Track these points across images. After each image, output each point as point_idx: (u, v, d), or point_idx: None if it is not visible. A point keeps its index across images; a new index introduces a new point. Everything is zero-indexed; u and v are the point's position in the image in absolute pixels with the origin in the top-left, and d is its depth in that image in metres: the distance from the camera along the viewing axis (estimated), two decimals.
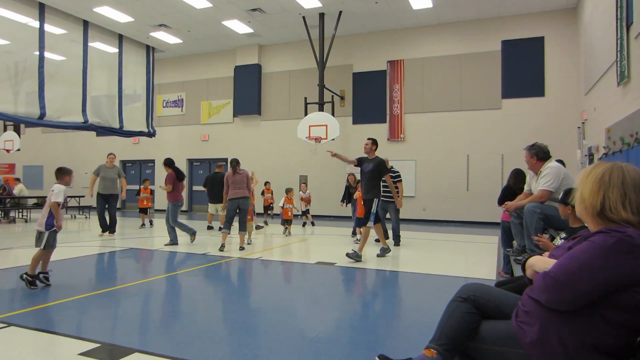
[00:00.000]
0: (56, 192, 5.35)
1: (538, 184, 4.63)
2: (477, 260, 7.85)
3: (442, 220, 14.85)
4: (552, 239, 3.92)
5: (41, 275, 5.32)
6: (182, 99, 18.81)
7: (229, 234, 8.55)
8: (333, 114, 13.96)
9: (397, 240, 9.05)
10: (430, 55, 15.13)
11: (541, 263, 2.16)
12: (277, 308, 4.68)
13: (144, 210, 12.97)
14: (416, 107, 15.29)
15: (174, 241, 9.07)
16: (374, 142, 7.76)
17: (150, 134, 16.86)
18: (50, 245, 5.34)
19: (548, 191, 4.47)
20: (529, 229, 4.35)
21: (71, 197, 15.88)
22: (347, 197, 10.94)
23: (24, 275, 5.21)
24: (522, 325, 2.14)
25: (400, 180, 9.09)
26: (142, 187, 13.49)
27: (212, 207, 12.09)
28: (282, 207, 11.09)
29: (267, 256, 7.84)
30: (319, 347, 3.51)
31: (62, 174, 5.65)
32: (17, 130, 18.75)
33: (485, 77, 14.44)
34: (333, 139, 13.38)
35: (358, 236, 9.59)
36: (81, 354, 3.25)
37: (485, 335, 2.40)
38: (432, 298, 5.24)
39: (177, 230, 9.22)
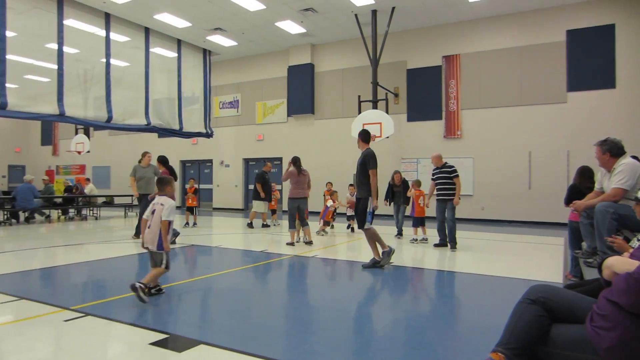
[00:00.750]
0: (167, 208, 4.80)
1: (611, 181, 4.35)
2: (541, 262, 7.51)
3: (502, 220, 14.33)
4: (628, 240, 3.68)
5: (152, 290, 4.89)
6: (238, 100, 19.27)
7: (295, 231, 8.83)
8: (387, 112, 13.82)
9: (453, 244, 8.37)
10: (488, 49, 14.64)
11: (622, 264, 2.04)
12: (335, 306, 4.69)
13: (190, 209, 12.91)
14: (473, 103, 14.85)
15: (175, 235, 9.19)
16: (360, 134, 7.13)
17: (208, 135, 17.42)
18: (169, 265, 4.96)
19: (622, 189, 4.20)
20: (600, 230, 4.10)
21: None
22: (391, 195, 10.58)
23: (139, 285, 4.51)
24: (599, 330, 2.04)
25: (457, 175, 8.47)
26: (187, 186, 13.34)
27: (262, 205, 12.15)
28: (327, 208, 10.87)
29: (323, 254, 7.88)
30: (378, 345, 3.48)
31: (164, 185, 5.05)
32: (87, 133, 19.91)
33: (548, 70, 13.78)
34: (387, 137, 13.25)
35: (415, 236, 9.44)
36: (151, 344, 3.41)
37: (557, 340, 2.31)
38: (493, 300, 5.07)
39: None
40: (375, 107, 13.85)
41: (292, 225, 8.80)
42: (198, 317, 4.33)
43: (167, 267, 4.88)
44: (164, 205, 4.85)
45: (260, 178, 12.38)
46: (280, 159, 18.21)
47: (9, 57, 11.18)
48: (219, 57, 18.54)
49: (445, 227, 8.47)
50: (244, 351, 3.28)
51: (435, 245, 8.60)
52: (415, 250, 8.48)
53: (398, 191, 10.29)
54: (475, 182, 14.70)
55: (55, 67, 12.55)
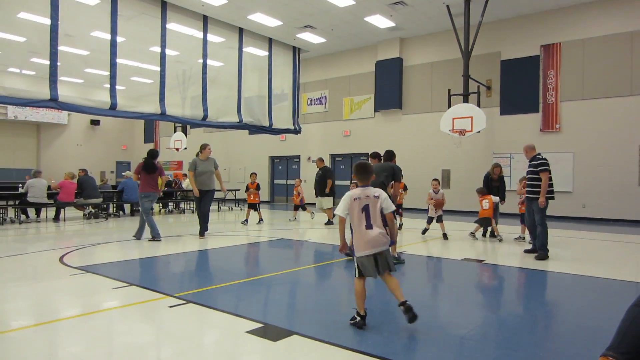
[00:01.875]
0: (384, 198, 3.79)
1: None
2: None
3: (606, 218, 13.18)
4: None
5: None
6: (325, 96, 19.50)
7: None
8: (479, 105, 13.25)
9: (542, 254, 6.96)
10: (593, 36, 13.48)
11: None
12: (427, 304, 4.60)
13: (252, 206, 11.97)
14: (575, 94, 13.77)
15: (156, 237, 8.50)
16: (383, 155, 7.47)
17: (296, 131, 17.86)
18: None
19: None
20: None
21: (229, 190, 17.54)
22: (487, 189, 9.46)
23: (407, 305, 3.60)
24: None
25: (545, 169, 6.99)
26: (249, 182, 12.26)
27: (331, 201, 11.76)
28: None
29: (411, 251, 7.76)
30: (472, 344, 3.37)
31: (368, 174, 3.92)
32: (184, 131, 21.26)
33: None
34: (479, 131, 12.71)
35: (522, 234, 8.91)
36: (248, 332, 3.57)
37: None
38: (597, 302, 4.68)
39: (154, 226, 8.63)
40: (466, 100, 13.34)
41: None
42: (291, 308, 4.46)
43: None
44: (379, 197, 3.79)
45: (331, 174, 12.02)
46: (366, 155, 18.17)
47: (118, 61, 12.23)
48: (307, 54, 18.89)
49: (534, 230, 7.34)
50: (334, 342, 3.33)
51: (526, 252, 7.53)
52: (508, 248, 8.05)
53: (496, 186, 9.46)
54: (575, 178, 13.66)
55: (158, 69, 13.51)
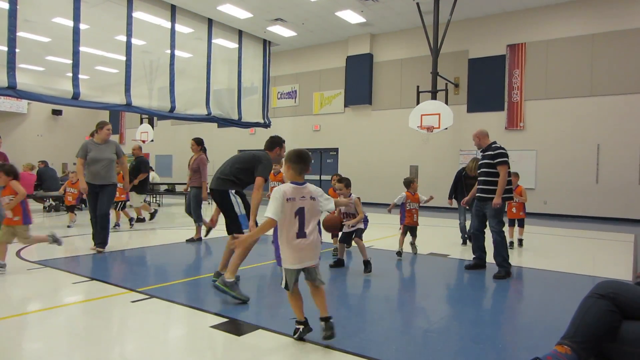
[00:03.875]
0: (323, 197, 3.32)
1: None
2: (609, 259, 7.11)
3: (566, 214, 13.65)
4: None
5: None
6: (296, 91, 19.44)
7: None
8: (447, 102, 13.47)
9: (502, 271, 5.56)
10: (556, 37, 13.88)
11: None
12: (394, 298, 4.65)
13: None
14: (538, 94, 14.17)
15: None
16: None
17: (266, 125, 17.71)
18: None
19: None
20: None
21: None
22: (455, 189, 8.61)
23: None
24: None
25: (503, 162, 5.57)
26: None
27: (140, 198, 11.03)
28: (406, 208, 6.84)
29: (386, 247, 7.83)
30: (434, 337, 3.43)
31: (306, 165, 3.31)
32: (151, 122, 20.79)
33: (625, 58, 12.89)
34: (446, 128, 12.92)
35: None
36: (212, 327, 3.53)
37: (628, 337, 2.20)
38: (556, 296, 4.84)
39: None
40: (434, 97, 13.53)
41: None
42: (254, 303, 4.43)
43: None
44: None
45: (146, 165, 11.27)
46: (336, 150, 18.23)
47: (81, 49, 11.82)
48: (278, 47, 18.75)
49: (481, 239, 6.00)
50: (287, 334, 3.33)
51: (468, 267, 6.02)
52: None
53: (471, 184, 7.30)
54: (537, 175, 14.08)
55: (124, 58, 13.12)
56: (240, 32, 16.48)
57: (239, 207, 4.64)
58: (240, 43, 16.58)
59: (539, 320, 3.98)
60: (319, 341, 3.20)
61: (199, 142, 8.49)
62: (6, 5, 10.02)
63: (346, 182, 5.97)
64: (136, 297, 4.30)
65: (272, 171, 6.84)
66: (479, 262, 5.99)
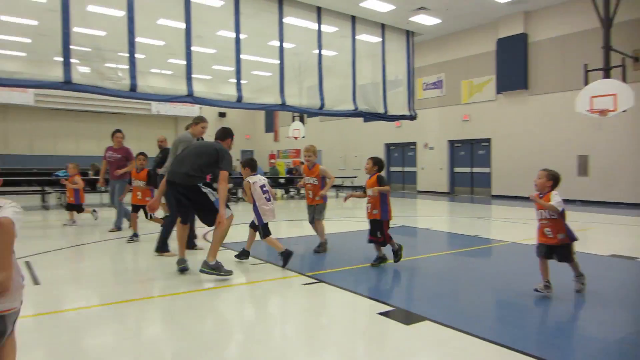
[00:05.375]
0: None
1: None
2: None
3: None
4: None
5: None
6: (442, 80, 18.81)
7: None
8: (624, 80, 11.77)
9: None
10: None
11: None
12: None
13: None
14: None
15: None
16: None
17: (412, 117, 17.46)
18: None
19: None
20: None
21: (344, 177, 17.82)
22: None
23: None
24: None
25: None
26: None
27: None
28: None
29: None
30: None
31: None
32: (301, 120, 21.97)
33: None
34: (624, 110, 11.31)
35: None
36: (380, 314, 3.59)
37: None
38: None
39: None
40: (607, 76, 11.91)
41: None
42: (422, 294, 4.41)
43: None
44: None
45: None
46: (488, 140, 17.23)
47: (242, 56, 12.98)
48: (421, 37, 18.33)
49: None
50: (466, 331, 3.21)
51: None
52: None
53: None
54: None
55: (277, 62, 14.11)
56: (382, 26, 16.51)
57: (213, 195, 4.95)
58: (383, 37, 16.62)
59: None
60: (504, 342, 3.05)
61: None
62: (183, 25, 11.45)
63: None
64: (306, 281, 4.58)
65: (307, 164, 6.73)
66: None
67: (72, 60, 10.12)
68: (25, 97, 22.04)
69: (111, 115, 24.42)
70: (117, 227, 8.23)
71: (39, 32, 15.92)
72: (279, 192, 17.33)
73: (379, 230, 5.23)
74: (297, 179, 17.57)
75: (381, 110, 16.62)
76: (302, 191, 17.66)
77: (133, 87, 10.74)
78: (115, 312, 3.74)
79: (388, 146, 21.46)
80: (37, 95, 22.27)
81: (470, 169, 17.96)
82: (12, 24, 14.91)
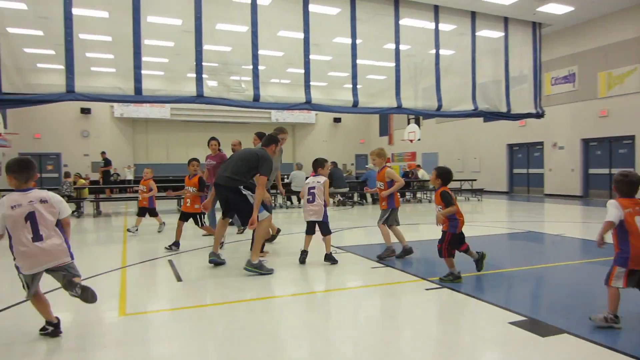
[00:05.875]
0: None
1: None
2: None
3: None
4: None
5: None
6: (574, 73, 17.20)
7: None
8: None
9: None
10: None
11: None
12: None
13: None
14: None
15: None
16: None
17: (539, 115, 16.24)
18: None
19: None
20: None
21: (462, 180, 17.13)
22: None
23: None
24: None
25: None
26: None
27: None
28: None
29: None
30: None
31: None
32: (417, 122, 21.60)
33: None
34: None
35: None
36: (511, 323, 3.38)
37: None
38: None
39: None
40: None
41: None
42: (557, 305, 4.06)
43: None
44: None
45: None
46: (631, 138, 15.36)
47: (357, 61, 13.14)
48: (549, 28, 16.99)
49: None
50: (613, 347, 2.88)
51: None
52: None
53: None
54: None
55: (392, 65, 14.02)
56: (505, 20, 15.60)
57: (252, 198, 5.08)
58: (506, 31, 15.70)
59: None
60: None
61: (260, 137, 7.43)
62: (301, 35, 11.92)
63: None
64: (428, 286, 4.48)
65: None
66: None
67: (203, 76, 11.11)
68: (163, 111, 24.71)
69: (235, 124, 26.23)
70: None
71: (174, 52, 17.77)
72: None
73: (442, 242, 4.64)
74: (413, 183, 17.30)
75: (503, 109, 15.72)
76: (419, 195, 17.43)
77: (256, 97, 11.45)
78: (264, 305, 4.00)
79: (510, 147, 20.16)
80: (173, 109, 24.78)
81: (609, 170, 16.16)
82: (153, 47, 16.85)
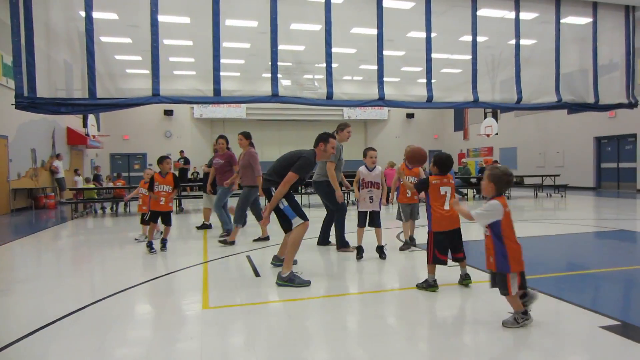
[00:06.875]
0: None
1: None
2: None
3: None
4: None
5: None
6: None
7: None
8: None
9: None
10: None
11: None
12: None
13: None
14: None
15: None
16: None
17: (631, 105, 15.08)
18: None
19: None
20: None
21: (544, 176, 16.29)
22: None
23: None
24: None
25: None
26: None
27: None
28: None
29: None
30: None
31: None
32: (494, 116, 20.82)
33: None
34: None
35: None
36: (602, 327, 3.23)
37: None
38: None
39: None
40: None
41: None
42: None
43: None
44: None
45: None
46: None
47: (432, 55, 12.89)
48: None
49: None
50: None
51: None
52: None
53: None
54: None
55: (468, 57, 13.59)
56: (594, 4, 14.61)
57: (282, 203, 4.76)
58: (595, 16, 14.70)
59: None
60: None
61: (247, 136, 7.99)
62: (374, 31, 11.92)
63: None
64: None
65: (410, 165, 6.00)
66: None
67: (278, 75, 11.42)
68: (239, 111, 25.70)
69: (308, 122, 26.67)
70: (227, 231, 7.85)
71: (250, 53, 18.37)
72: (470, 192, 16.68)
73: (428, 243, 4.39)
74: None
75: (591, 100, 14.75)
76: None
77: (329, 95, 11.59)
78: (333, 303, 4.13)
79: (598, 140, 18.85)
80: (248, 109, 25.68)
81: None
82: (231, 49, 17.53)
